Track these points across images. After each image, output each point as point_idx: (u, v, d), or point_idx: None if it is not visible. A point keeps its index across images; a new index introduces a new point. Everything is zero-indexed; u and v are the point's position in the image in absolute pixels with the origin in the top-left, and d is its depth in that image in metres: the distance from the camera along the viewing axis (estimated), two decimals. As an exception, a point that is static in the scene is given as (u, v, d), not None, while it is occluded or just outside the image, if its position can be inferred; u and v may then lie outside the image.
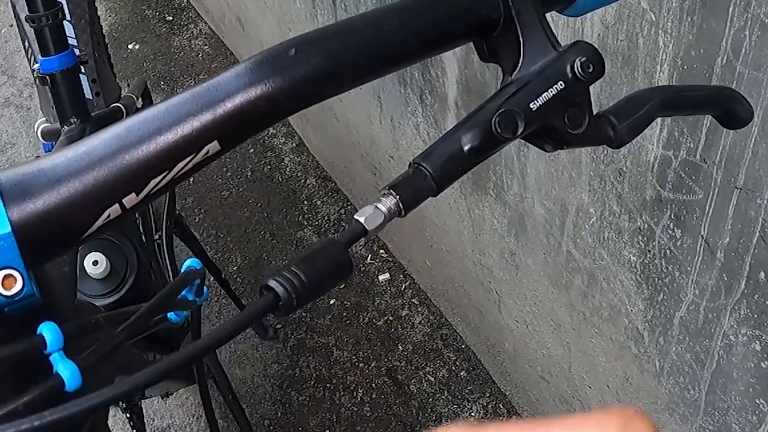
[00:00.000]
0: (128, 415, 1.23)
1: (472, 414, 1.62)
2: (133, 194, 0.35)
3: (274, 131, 2.23)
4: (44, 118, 1.23)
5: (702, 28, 0.74)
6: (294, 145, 2.19)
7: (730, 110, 0.51)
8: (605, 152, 0.95)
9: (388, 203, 0.35)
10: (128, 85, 1.41)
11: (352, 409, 1.66)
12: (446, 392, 1.65)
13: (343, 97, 1.59)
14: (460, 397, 1.64)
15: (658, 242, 0.93)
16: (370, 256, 1.89)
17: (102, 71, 1.27)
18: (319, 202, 2.04)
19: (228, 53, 2.45)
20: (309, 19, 1.65)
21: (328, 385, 1.70)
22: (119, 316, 0.48)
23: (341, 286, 1.78)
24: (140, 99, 1.33)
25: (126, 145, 0.35)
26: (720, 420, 0.96)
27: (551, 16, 0.42)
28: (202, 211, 2.08)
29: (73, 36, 1.23)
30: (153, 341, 1.07)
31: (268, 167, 2.15)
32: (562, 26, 0.91)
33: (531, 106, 0.39)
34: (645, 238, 0.95)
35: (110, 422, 0.82)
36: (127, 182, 0.35)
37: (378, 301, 1.80)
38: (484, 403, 1.63)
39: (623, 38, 0.84)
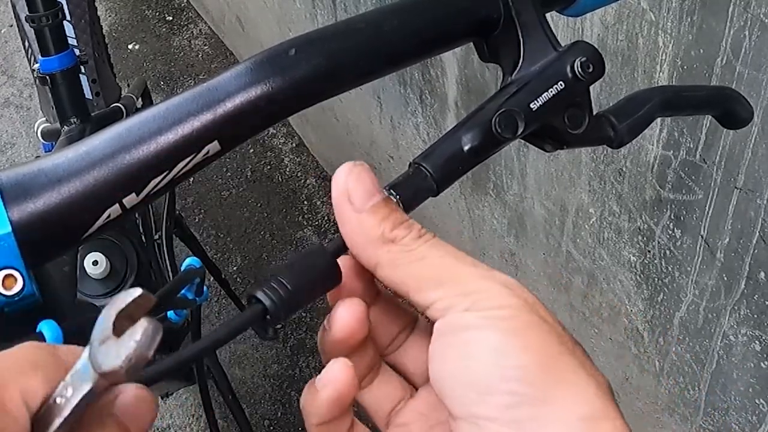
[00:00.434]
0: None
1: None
2: (134, 194, 0.35)
3: (274, 131, 2.23)
4: (44, 118, 1.23)
5: (702, 28, 0.74)
6: (294, 145, 2.19)
7: (730, 110, 0.51)
8: (605, 152, 0.95)
9: None
10: (128, 85, 1.41)
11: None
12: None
13: (343, 98, 1.59)
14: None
15: (658, 242, 0.93)
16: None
17: (102, 71, 1.27)
18: (319, 202, 2.04)
19: (228, 53, 2.45)
20: (309, 19, 1.65)
21: (327, 385, 1.70)
22: None
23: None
24: (140, 99, 1.33)
25: (126, 145, 0.35)
26: (720, 420, 0.96)
27: (551, 17, 0.43)
28: (202, 211, 2.08)
29: (73, 36, 1.23)
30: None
31: (268, 167, 2.15)
32: (562, 26, 0.91)
33: (531, 106, 0.39)
34: (645, 239, 0.95)
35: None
36: (127, 182, 0.35)
37: (378, 301, 1.80)
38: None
39: (623, 38, 0.84)
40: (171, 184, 0.36)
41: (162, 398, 1.65)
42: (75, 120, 1.08)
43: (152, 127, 0.35)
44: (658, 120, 0.81)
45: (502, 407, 0.29)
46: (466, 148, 0.37)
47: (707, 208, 0.83)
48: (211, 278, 1.61)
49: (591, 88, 0.41)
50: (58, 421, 0.26)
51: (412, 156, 0.39)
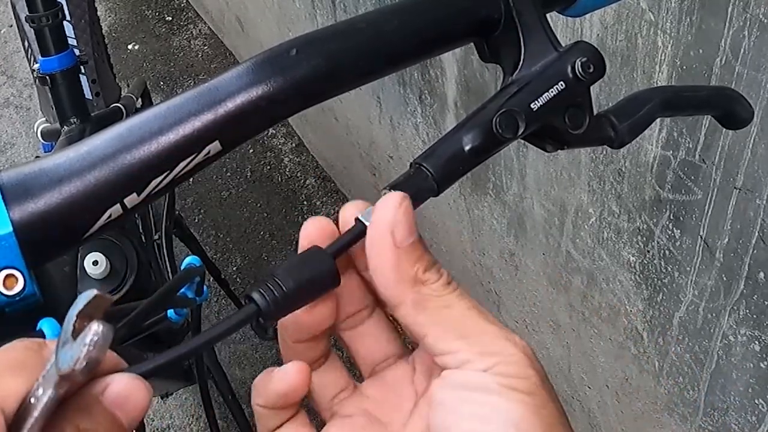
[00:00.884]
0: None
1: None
2: (135, 194, 0.35)
3: (274, 131, 2.23)
4: (44, 118, 1.24)
5: (701, 28, 0.74)
6: (293, 145, 2.19)
7: (730, 111, 0.51)
8: (604, 152, 0.96)
9: None
10: (128, 85, 1.41)
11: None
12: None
13: (343, 98, 1.59)
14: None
15: (657, 242, 0.93)
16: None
17: (102, 71, 1.27)
18: (318, 203, 2.04)
19: (227, 53, 2.45)
20: (308, 19, 1.65)
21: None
22: (119, 312, 0.48)
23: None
24: (140, 99, 1.33)
25: (127, 144, 0.35)
26: (719, 420, 0.96)
27: (550, 17, 0.43)
28: (202, 211, 2.08)
29: (73, 36, 1.23)
30: (153, 341, 1.07)
31: (268, 167, 2.15)
32: (562, 26, 0.91)
33: (532, 106, 0.39)
34: (644, 239, 0.95)
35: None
36: (128, 182, 0.35)
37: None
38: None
39: (622, 38, 0.84)
40: (172, 184, 0.36)
41: (162, 398, 1.65)
42: (75, 120, 1.09)
43: (153, 127, 0.35)
44: (658, 120, 0.81)
45: None
46: (466, 148, 0.37)
47: (707, 208, 0.83)
48: (211, 278, 1.61)
49: (591, 88, 0.41)
50: (30, 422, 0.27)
51: (412, 156, 0.39)
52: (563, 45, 0.41)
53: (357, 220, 0.34)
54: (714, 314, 0.89)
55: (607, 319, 1.10)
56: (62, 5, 1.06)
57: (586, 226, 1.05)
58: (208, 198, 2.10)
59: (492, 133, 0.38)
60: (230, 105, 0.35)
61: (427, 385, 0.37)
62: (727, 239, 0.82)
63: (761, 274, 0.80)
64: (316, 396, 0.37)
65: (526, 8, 0.41)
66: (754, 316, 0.83)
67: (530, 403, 0.31)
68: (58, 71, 1.05)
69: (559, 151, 0.42)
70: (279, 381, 0.34)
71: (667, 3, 0.77)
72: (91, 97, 1.24)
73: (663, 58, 0.80)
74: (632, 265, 0.99)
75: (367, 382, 0.38)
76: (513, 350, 0.32)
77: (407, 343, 0.39)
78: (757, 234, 0.78)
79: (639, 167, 0.90)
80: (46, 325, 0.40)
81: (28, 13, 1.02)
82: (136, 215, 1.24)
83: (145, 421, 1.33)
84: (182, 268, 0.57)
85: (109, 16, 2.63)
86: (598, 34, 0.87)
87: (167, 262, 1.26)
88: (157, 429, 1.71)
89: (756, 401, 0.89)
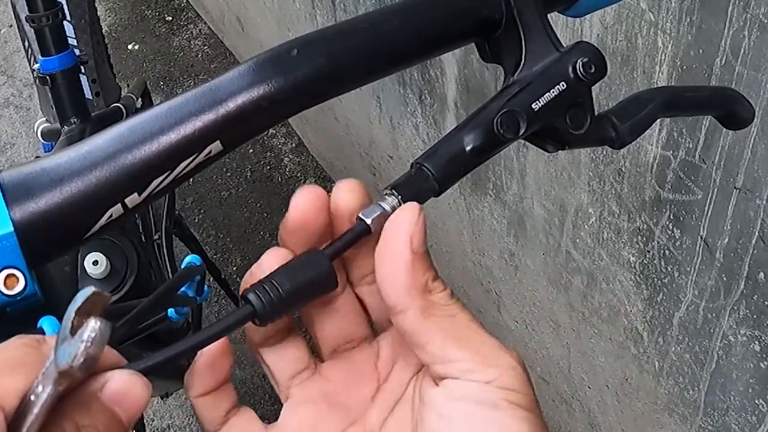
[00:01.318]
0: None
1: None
2: (136, 194, 0.35)
3: (274, 131, 2.23)
4: (44, 118, 1.24)
5: (701, 28, 0.74)
6: (293, 145, 2.19)
7: (731, 111, 0.51)
8: (604, 152, 0.96)
9: (390, 203, 0.35)
10: (128, 85, 1.41)
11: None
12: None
13: (343, 98, 1.59)
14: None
15: (658, 242, 0.93)
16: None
17: (102, 71, 1.27)
18: (318, 203, 2.04)
19: (227, 53, 2.45)
20: (308, 19, 1.65)
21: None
22: (119, 310, 0.48)
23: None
24: (140, 99, 1.33)
25: (128, 144, 0.35)
26: (719, 420, 0.97)
27: (551, 17, 0.43)
28: (202, 211, 2.08)
29: (73, 36, 1.23)
30: (154, 341, 1.07)
31: (268, 167, 2.15)
32: (562, 26, 0.91)
33: (533, 106, 0.39)
34: (644, 239, 0.95)
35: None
36: (129, 182, 0.35)
37: (377, 302, 1.80)
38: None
39: (622, 38, 0.84)
40: (173, 184, 0.36)
41: (162, 398, 1.65)
42: (75, 120, 1.09)
43: (154, 127, 0.35)
44: (658, 120, 0.81)
45: None
46: (468, 148, 0.37)
47: (706, 208, 0.83)
48: (211, 278, 1.61)
49: (591, 88, 0.41)
50: (30, 419, 0.27)
51: (412, 156, 0.39)
52: (564, 45, 0.41)
53: (359, 219, 0.34)
54: (714, 314, 0.89)
55: (607, 319, 1.10)
56: (62, 5, 1.06)
57: (586, 226, 1.05)
58: (208, 198, 2.10)
59: (493, 133, 0.38)
60: (231, 105, 0.35)
61: (390, 371, 0.37)
62: (727, 239, 0.82)
63: (761, 274, 0.80)
64: (274, 373, 0.37)
65: (528, 8, 0.41)
66: (754, 316, 0.83)
67: (532, 421, 0.32)
68: (58, 71, 1.05)
69: (559, 151, 0.42)
70: (202, 353, 0.34)
71: (667, 3, 0.77)
72: (91, 97, 1.24)
73: (663, 58, 0.80)
74: (632, 265, 0.99)
75: (329, 363, 0.37)
76: (513, 363, 0.32)
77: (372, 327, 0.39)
78: (757, 234, 0.78)
79: (639, 167, 0.90)
80: (46, 322, 0.40)
81: (28, 13, 1.02)
82: (136, 215, 1.24)
83: (145, 421, 1.33)
84: (182, 266, 0.57)
85: (109, 16, 2.63)
86: (598, 34, 0.87)
87: (167, 262, 1.26)
88: (157, 429, 1.72)
89: (756, 401, 0.89)
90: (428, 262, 0.34)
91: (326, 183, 2.08)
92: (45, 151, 1.27)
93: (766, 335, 0.83)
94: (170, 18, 2.62)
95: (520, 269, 1.29)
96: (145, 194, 0.35)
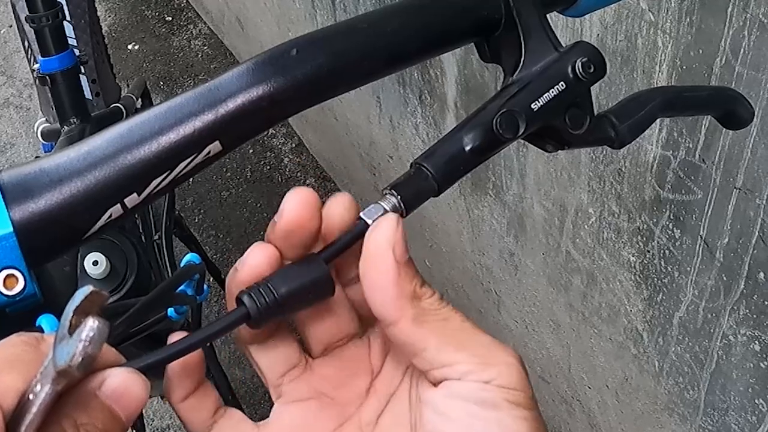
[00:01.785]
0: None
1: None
2: (135, 194, 0.35)
3: (274, 131, 2.23)
4: (44, 118, 1.24)
5: (701, 28, 0.74)
6: (293, 145, 2.19)
7: (731, 111, 0.51)
8: (604, 152, 0.96)
9: (389, 203, 0.35)
10: (128, 86, 1.41)
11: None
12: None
13: (343, 98, 1.59)
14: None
15: (657, 242, 0.93)
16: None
17: (102, 71, 1.27)
18: (318, 203, 2.04)
19: (227, 53, 2.45)
20: (308, 19, 1.65)
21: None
22: (118, 309, 0.48)
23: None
24: (140, 99, 1.33)
25: (128, 144, 0.35)
26: (719, 420, 0.97)
27: (550, 17, 0.43)
28: (202, 211, 2.08)
29: (73, 36, 1.23)
30: (153, 341, 1.07)
31: (268, 167, 2.15)
32: (561, 26, 0.91)
33: (532, 106, 0.39)
34: (644, 239, 0.95)
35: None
36: (129, 182, 0.35)
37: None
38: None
39: (622, 38, 0.84)
40: (172, 184, 0.36)
41: (162, 398, 1.65)
42: (75, 120, 1.08)
43: (154, 127, 0.35)
44: (658, 120, 0.81)
45: None
46: (467, 148, 0.37)
47: (706, 208, 0.83)
48: (211, 278, 1.61)
49: (591, 88, 0.41)
50: (28, 418, 0.27)
51: (412, 156, 0.39)
52: (563, 45, 0.41)
53: (359, 219, 0.34)
54: (714, 314, 0.89)
55: (607, 319, 1.10)
56: (62, 5, 1.06)
57: (586, 226, 1.05)
58: (208, 198, 2.10)
59: (492, 133, 0.38)
60: (231, 105, 0.35)
61: (383, 363, 0.37)
62: (727, 239, 0.82)
63: (761, 274, 0.80)
64: (265, 371, 0.37)
65: (527, 8, 0.41)
66: (754, 316, 0.83)
67: (532, 420, 0.32)
68: (58, 71, 1.05)
69: (559, 151, 0.42)
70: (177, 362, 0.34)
71: (667, 3, 0.77)
72: (91, 97, 1.24)
73: (663, 58, 0.80)
74: (632, 265, 0.99)
75: (321, 359, 0.37)
76: (510, 359, 0.33)
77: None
78: (757, 234, 0.78)
79: (639, 167, 0.90)
80: (44, 320, 0.40)
81: (28, 13, 1.02)
82: (136, 215, 1.23)
83: (144, 421, 1.33)
84: (181, 265, 0.57)
85: (109, 16, 2.63)
86: (598, 34, 0.87)
87: (167, 262, 1.26)
88: (157, 429, 1.72)
89: (756, 401, 0.89)
90: (413, 270, 0.34)
91: (326, 183, 2.08)
92: (45, 152, 1.27)
93: (766, 335, 0.83)
94: (170, 18, 2.62)
95: (520, 269, 1.29)
96: (144, 194, 0.35)
